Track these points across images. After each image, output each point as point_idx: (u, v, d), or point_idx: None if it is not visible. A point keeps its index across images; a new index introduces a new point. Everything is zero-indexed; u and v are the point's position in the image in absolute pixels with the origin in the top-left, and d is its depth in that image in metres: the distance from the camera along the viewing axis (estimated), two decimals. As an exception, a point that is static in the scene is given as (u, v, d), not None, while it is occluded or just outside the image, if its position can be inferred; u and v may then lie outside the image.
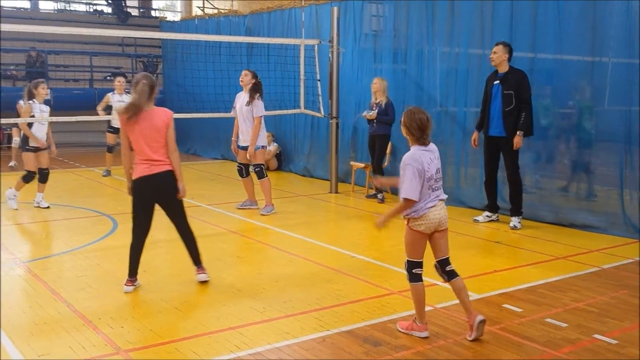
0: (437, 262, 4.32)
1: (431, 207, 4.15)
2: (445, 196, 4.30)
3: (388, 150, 9.56)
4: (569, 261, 6.27)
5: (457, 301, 4.40)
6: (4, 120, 8.52)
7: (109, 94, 11.45)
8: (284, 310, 4.79)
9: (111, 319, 4.57)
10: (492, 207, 7.97)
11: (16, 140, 10.99)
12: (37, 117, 8.23)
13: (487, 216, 7.98)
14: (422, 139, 4.18)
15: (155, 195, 5.19)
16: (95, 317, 4.59)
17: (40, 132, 8.35)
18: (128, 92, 11.46)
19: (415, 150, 4.19)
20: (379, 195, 9.41)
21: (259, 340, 4.20)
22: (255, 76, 8.37)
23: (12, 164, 12.01)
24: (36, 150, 8.40)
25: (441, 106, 9.31)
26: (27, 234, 7.63)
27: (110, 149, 11.71)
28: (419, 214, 4.16)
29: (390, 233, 7.14)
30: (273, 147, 12.44)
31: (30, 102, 8.28)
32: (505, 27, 8.22)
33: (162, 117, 5.08)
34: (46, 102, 8.65)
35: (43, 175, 8.52)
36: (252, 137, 8.19)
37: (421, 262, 4.28)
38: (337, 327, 4.43)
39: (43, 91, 8.40)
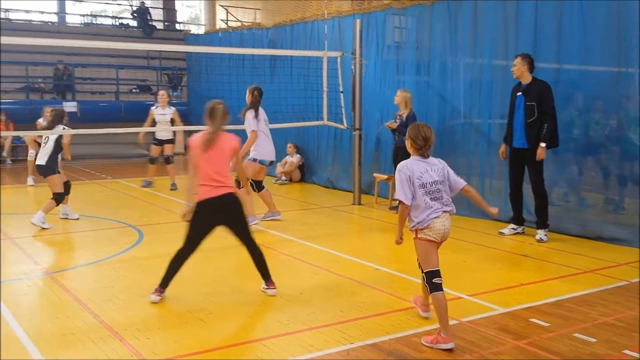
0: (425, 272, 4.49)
1: (435, 217, 4.36)
2: (449, 208, 4.44)
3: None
4: (597, 275, 6.18)
5: (484, 315, 4.35)
6: (18, 133, 8.62)
7: (152, 108, 11.51)
8: (308, 322, 4.79)
9: (137, 330, 4.61)
10: (518, 220, 7.89)
11: (32, 153, 11.13)
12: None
13: (513, 229, 7.90)
14: (421, 150, 4.46)
15: (220, 216, 5.21)
16: (122, 328, 4.63)
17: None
18: (170, 105, 11.65)
19: (410, 159, 4.49)
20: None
21: (284, 353, 4.20)
22: (251, 91, 8.19)
23: (30, 180, 11.73)
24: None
25: (465, 117, 9.27)
26: (54, 244, 7.73)
27: (153, 161, 11.71)
28: (424, 225, 4.37)
29: (413, 245, 7.10)
30: (296, 159, 12.49)
31: (62, 128, 8.34)
32: (529, 37, 8.17)
33: (231, 142, 5.20)
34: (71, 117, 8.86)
35: (66, 187, 8.51)
36: (243, 148, 7.63)
37: (438, 271, 4.41)
38: (361, 340, 4.40)
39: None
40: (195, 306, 5.15)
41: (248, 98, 8.23)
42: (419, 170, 4.38)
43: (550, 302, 5.30)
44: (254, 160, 8.17)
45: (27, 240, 7.62)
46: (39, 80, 18.12)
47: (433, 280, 4.37)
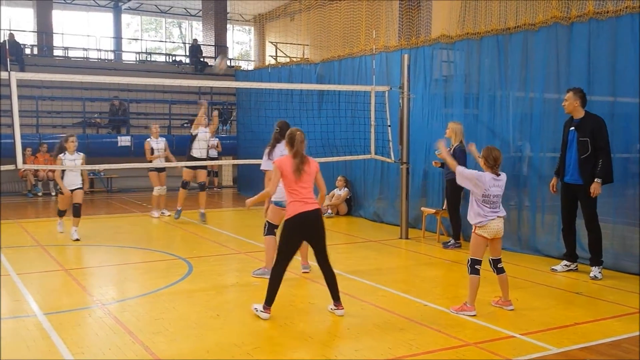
0: (491, 259, 6.01)
1: (491, 219, 5.81)
2: (503, 213, 5.88)
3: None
4: (656, 315, 5.93)
5: (537, 355, 4.24)
6: (57, 167, 9.54)
7: (200, 128, 11.67)
8: (356, 358, 4.74)
9: (186, 362, 4.65)
10: (571, 256, 7.68)
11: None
12: (68, 166, 9.49)
13: (566, 265, 7.69)
14: (492, 169, 5.81)
15: (309, 231, 5.77)
16: (171, 361, 4.68)
17: (69, 177, 9.62)
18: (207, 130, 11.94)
19: (486, 174, 5.81)
20: (451, 241, 9.25)
21: (331, 389, 4.16)
22: (276, 126, 7.47)
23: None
24: (72, 190, 9.64)
25: (515, 151, 9.15)
26: (106, 276, 7.90)
27: (185, 185, 11.77)
28: (483, 224, 5.80)
29: (463, 281, 6.98)
30: (344, 192, 12.52)
31: (61, 155, 9.54)
32: (582, 70, 8.05)
33: (315, 164, 5.88)
34: (80, 151, 9.86)
35: (76, 210, 9.62)
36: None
37: (480, 261, 5.86)
38: (410, 379, 4.33)
39: (72, 144, 9.63)
40: (242, 340, 5.17)
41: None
42: (488, 182, 5.73)
43: (606, 342, 5.12)
44: (275, 203, 7.23)
45: (82, 272, 7.83)
46: (96, 115, 18.77)
47: (475, 266, 5.83)
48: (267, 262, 7.22)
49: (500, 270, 5.99)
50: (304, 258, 7.61)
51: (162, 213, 12.46)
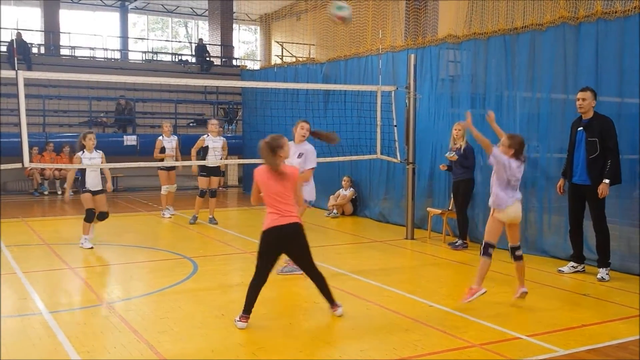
0: (510, 246, 6.22)
1: (509, 205, 6.02)
2: (520, 195, 6.14)
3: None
4: (664, 317, 5.89)
5: (544, 356, 4.21)
6: (86, 165, 8.87)
7: (204, 137, 11.49)
8: (361, 358, 4.72)
9: (190, 362, 4.65)
10: (578, 257, 7.64)
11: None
12: (87, 165, 8.88)
13: (573, 267, 7.64)
14: (518, 154, 6.04)
15: (285, 245, 5.58)
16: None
17: (90, 178, 8.88)
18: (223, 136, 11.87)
19: (511, 159, 6.03)
20: (458, 242, 9.21)
21: (336, 389, 4.15)
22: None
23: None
24: (94, 193, 8.93)
25: (522, 152, 9.09)
26: (112, 275, 7.92)
27: (202, 194, 11.49)
28: (501, 208, 6.02)
29: (469, 282, 6.95)
30: (349, 192, 12.50)
31: (80, 153, 8.91)
32: (590, 70, 8.00)
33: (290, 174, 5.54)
34: (98, 149, 9.16)
35: (102, 216, 9.15)
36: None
37: (494, 245, 6.10)
38: (415, 380, 4.31)
39: (90, 142, 8.92)
40: (248, 339, 5.16)
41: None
42: (515, 167, 5.99)
43: (614, 344, 5.08)
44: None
45: (87, 270, 7.84)
46: (102, 114, 18.80)
47: (488, 249, 6.08)
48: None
49: (518, 258, 6.18)
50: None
51: (171, 214, 12.39)
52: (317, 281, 5.72)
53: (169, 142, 12.00)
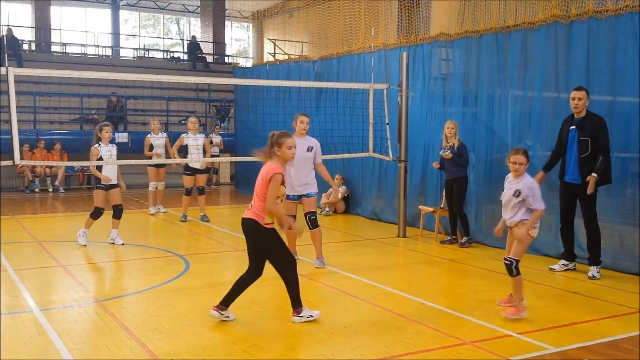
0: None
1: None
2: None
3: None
4: (654, 314, 5.93)
5: (534, 354, 4.24)
6: (77, 163, 8.85)
7: (183, 135, 11.45)
8: (353, 356, 4.73)
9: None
10: (569, 256, 7.67)
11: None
12: (105, 158, 8.71)
13: (564, 265, 7.68)
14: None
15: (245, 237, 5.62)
16: (167, 357, 4.66)
17: (107, 171, 8.78)
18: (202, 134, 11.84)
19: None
20: (464, 239, 9.17)
21: (328, 387, 4.15)
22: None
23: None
24: (107, 188, 8.84)
25: (513, 150, 9.11)
26: (104, 272, 7.88)
27: (188, 192, 11.54)
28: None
29: (461, 280, 6.99)
30: (342, 190, 12.49)
31: (97, 145, 8.74)
32: (581, 69, 8.03)
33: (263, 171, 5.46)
34: (113, 142, 9.09)
35: (117, 211, 8.99)
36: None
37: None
38: (407, 377, 4.32)
39: (107, 134, 8.81)
40: (240, 337, 5.15)
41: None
42: None
43: (604, 342, 5.11)
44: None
45: (78, 268, 7.80)
46: (93, 111, 18.72)
47: (519, 268, 5.82)
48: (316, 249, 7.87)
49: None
50: (316, 250, 7.94)
51: (158, 210, 12.44)
52: (284, 281, 5.56)
53: (158, 140, 12.04)
